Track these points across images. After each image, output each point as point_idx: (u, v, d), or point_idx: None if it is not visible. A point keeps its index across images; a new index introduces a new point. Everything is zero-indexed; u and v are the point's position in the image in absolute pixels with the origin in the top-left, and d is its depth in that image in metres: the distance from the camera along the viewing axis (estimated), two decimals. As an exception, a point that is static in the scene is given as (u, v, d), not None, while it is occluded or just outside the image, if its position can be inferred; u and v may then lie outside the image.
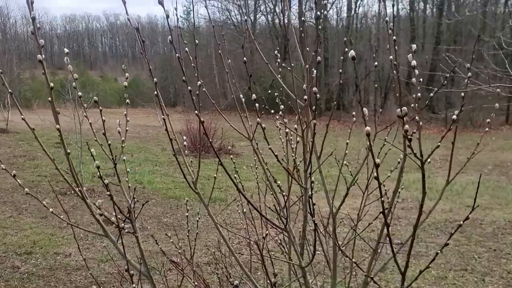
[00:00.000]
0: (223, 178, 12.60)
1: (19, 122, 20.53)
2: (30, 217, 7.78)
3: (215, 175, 2.24)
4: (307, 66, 1.80)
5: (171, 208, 9.09)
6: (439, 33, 34.14)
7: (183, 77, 1.76)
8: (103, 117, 1.95)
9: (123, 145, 2.09)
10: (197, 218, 2.75)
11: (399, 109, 1.04)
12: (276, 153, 1.88)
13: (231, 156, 2.71)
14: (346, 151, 2.09)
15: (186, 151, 2.02)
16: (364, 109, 1.07)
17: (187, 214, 2.86)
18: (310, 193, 1.47)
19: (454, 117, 1.36)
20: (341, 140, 2.27)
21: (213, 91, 38.26)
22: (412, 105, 1.61)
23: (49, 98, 1.72)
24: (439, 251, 1.46)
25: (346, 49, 1.95)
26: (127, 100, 2.19)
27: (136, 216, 1.89)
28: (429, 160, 2.67)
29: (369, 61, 34.49)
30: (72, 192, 9.38)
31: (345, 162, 2.19)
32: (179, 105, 40.47)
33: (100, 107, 1.95)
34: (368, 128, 1.08)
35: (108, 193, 1.67)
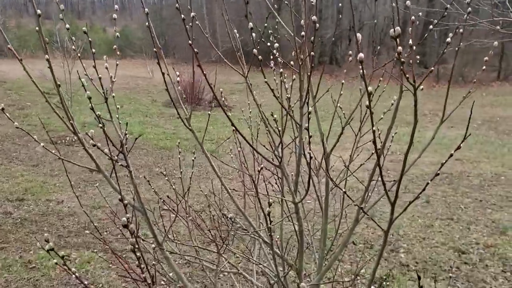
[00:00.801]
0: (215, 130, 12.62)
1: (6, 71, 20.16)
2: (21, 165, 7.77)
3: (209, 113, 2.22)
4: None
5: (162, 158, 9.12)
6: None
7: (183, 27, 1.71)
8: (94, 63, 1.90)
9: (114, 79, 2.05)
10: (193, 158, 2.74)
11: (393, 30, 1.02)
12: (270, 94, 1.86)
13: (232, 107, 2.69)
14: (341, 92, 2.08)
15: (179, 87, 1.98)
16: (361, 54, 1.05)
17: (179, 156, 2.85)
18: (306, 126, 1.46)
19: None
20: (334, 94, 2.29)
21: (204, 42, 37.53)
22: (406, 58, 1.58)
23: (46, 57, 1.67)
24: (429, 182, 1.47)
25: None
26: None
27: (129, 150, 1.88)
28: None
29: (363, 13, 33.92)
30: (63, 141, 9.35)
31: (338, 106, 2.18)
32: (169, 57, 39.86)
33: (93, 50, 1.89)
34: (361, 54, 1.06)
35: (100, 125, 1.65)
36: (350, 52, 2.54)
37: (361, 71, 1.09)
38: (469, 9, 1.55)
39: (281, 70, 2.05)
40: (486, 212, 6.63)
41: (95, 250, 4.67)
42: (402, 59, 1.02)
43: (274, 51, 2.00)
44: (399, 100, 1.79)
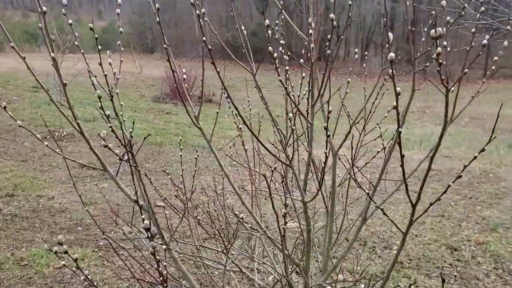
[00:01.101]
0: (206, 126, 12.55)
1: (-9, 64, 19.81)
2: (9, 160, 7.65)
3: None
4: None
5: (152, 154, 9.05)
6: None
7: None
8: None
9: (118, 76, 2.02)
10: (196, 156, 2.71)
11: (434, 30, 1.01)
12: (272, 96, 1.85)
13: (230, 100, 2.65)
14: (347, 90, 2.08)
15: (185, 85, 1.96)
16: (391, 53, 1.04)
17: (180, 153, 2.83)
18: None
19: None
20: (333, 91, 2.29)
21: (192, 37, 37.40)
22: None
23: (52, 55, 1.63)
24: (451, 184, 1.47)
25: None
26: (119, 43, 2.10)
27: (138, 150, 1.85)
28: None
29: (350, 10, 33.96)
30: (53, 136, 9.23)
31: (343, 104, 2.18)
32: (157, 51, 39.61)
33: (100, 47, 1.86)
34: (392, 54, 1.05)
35: (110, 125, 1.61)
36: (356, 49, 2.54)
37: (391, 71, 1.08)
38: (482, 8, 1.55)
39: (287, 67, 2.03)
40: (476, 209, 6.70)
41: (95, 250, 4.62)
42: (440, 61, 1.01)
43: (280, 48, 1.98)
44: (411, 99, 1.78)
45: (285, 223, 1.35)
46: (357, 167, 2.07)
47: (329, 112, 1.39)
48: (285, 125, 2.26)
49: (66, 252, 1.27)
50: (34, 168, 7.30)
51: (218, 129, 12.03)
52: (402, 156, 1.29)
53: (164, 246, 1.90)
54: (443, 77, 1.16)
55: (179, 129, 11.73)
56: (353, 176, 1.86)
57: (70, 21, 1.81)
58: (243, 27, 1.80)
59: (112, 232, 5.06)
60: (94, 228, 5.19)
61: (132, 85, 20.28)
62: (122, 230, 2.76)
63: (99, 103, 1.60)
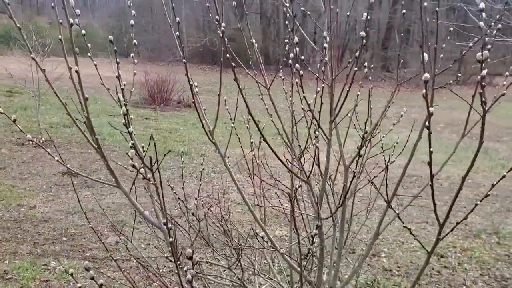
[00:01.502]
0: (185, 131, 12.46)
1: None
2: (-14, 168, 7.43)
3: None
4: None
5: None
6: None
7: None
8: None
9: (132, 90, 1.97)
10: (201, 170, 2.67)
11: (480, 53, 1.01)
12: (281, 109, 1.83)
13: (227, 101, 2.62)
14: (356, 103, 2.08)
15: (197, 96, 1.92)
16: (426, 74, 1.04)
17: (182, 165, 2.78)
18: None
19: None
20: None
21: (168, 42, 37.14)
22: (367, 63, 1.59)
23: (76, 68, 1.59)
24: (478, 203, 1.48)
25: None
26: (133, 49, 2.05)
27: (158, 165, 1.80)
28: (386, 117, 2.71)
29: (326, 17, 34.28)
30: (31, 142, 9.00)
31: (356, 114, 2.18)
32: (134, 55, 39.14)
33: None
34: (427, 74, 1.05)
35: (132, 142, 1.57)
36: (366, 63, 2.54)
37: (425, 90, 1.07)
38: (499, 25, 1.57)
39: (297, 80, 2.02)
40: (458, 215, 6.81)
41: (83, 260, 4.49)
42: (482, 82, 1.01)
43: (291, 55, 1.97)
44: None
45: (312, 243, 1.33)
46: (372, 182, 2.07)
47: (365, 132, 1.38)
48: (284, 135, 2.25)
49: (93, 278, 1.22)
50: (13, 176, 7.11)
51: (199, 134, 11.95)
52: (432, 176, 1.29)
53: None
54: (483, 98, 1.16)
55: (159, 135, 11.60)
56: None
57: (83, 31, 1.75)
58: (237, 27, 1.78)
59: (98, 243, 4.96)
60: (80, 238, 5.07)
61: (108, 89, 19.98)
62: (123, 238, 2.70)
63: (124, 119, 1.55)
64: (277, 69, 2.04)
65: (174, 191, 2.63)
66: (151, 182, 1.54)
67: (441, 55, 1.98)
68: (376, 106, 2.83)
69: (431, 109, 1.15)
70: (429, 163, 1.31)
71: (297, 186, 1.52)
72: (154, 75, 16.89)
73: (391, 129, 2.53)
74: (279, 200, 2.78)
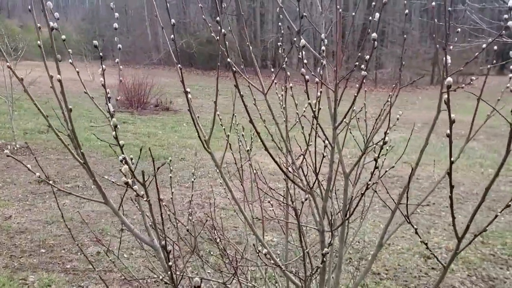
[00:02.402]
0: (164, 135, 12.27)
1: None
2: (-42, 178, 7.14)
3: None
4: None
5: (113, 167, 8.71)
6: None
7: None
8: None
9: (118, 97, 1.85)
10: (193, 179, 2.56)
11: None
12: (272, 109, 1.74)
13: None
14: (352, 109, 2.00)
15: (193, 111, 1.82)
16: (449, 78, 0.97)
17: (170, 175, 2.66)
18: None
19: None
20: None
21: (144, 44, 36.76)
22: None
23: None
24: (498, 214, 1.41)
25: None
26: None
27: (150, 181, 1.68)
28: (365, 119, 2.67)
29: (304, 18, 34.39)
30: (3, 151, 8.70)
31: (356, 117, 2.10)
32: (108, 59, 38.64)
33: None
34: (450, 79, 0.98)
35: (122, 156, 1.45)
36: (363, 66, 2.47)
37: (446, 96, 1.00)
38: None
39: (291, 85, 1.94)
40: (442, 215, 6.85)
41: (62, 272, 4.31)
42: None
43: (284, 65, 1.88)
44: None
45: (323, 261, 1.24)
46: (375, 190, 2.00)
47: (385, 143, 1.30)
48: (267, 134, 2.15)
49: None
50: (-14, 185, 6.85)
51: (178, 138, 11.79)
52: (452, 187, 1.21)
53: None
54: None
55: (138, 140, 11.39)
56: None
57: (63, 36, 1.63)
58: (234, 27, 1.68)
59: (79, 254, 4.78)
60: (59, 249, 4.88)
61: (85, 94, 19.60)
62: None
63: (114, 132, 1.43)
64: (274, 73, 1.95)
65: (164, 203, 2.50)
66: (145, 199, 1.42)
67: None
68: (356, 107, 2.77)
69: (453, 116, 1.08)
70: (449, 174, 1.23)
71: (303, 200, 1.43)
72: (130, 78, 16.62)
73: (387, 133, 2.45)
74: (270, 202, 2.69)
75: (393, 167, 2.44)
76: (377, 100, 22.81)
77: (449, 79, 0.97)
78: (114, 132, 1.36)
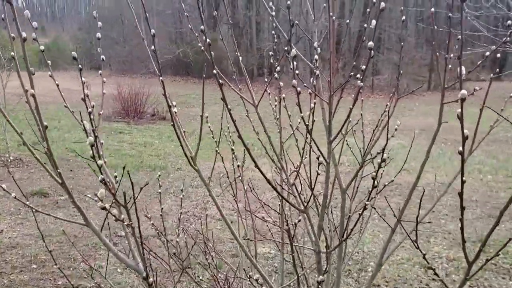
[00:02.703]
0: (160, 144, 12.16)
1: None
2: (-51, 191, 7.01)
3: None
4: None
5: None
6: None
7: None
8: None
9: (101, 112, 1.76)
10: (181, 194, 2.47)
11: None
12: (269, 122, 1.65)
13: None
14: (349, 120, 1.91)
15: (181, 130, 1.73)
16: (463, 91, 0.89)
17: (160, 204, 2.57)
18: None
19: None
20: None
21: (141, 54, 36.69)
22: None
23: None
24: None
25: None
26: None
27: (134, 200, 1.58)
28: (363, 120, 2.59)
29: (298, 27, 34.39)
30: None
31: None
32: (105, 68, 38.60)
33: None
34: (464, 91, 0.89)
35: (102, 176, 1.35)
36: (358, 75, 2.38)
37: (460, 110, 0.91)
38: None
39: (283, 95, 1.85)
40: (441, 223, 6.75)
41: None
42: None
43: (275, 74, 1.79)
44: (436, 134, 1.64)
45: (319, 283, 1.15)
46: (374, 208, 1.91)
47: (383, 161, 1.21)
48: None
49: None
50: (-23, 199, 6.73)
51: (174, 148, 11.68)
52: (463, 208, 1.12)
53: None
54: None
55: (134, 149, 11.29)
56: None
57: (41, 47, 1.54)
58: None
59: (71, 269, 4.66)
60: (51, 264, 4.76)
61: (81, 104, 19.49)
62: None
63: (92, 152, 1.33)
64: (265, 83, 1.87)
65: (152, 221, 2.41)
66: (125, 223, 1.32)
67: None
68: (353, 113, 2.69)
69: (466, 131, 0.99)
70: (461, 195, 1.14)
71: (296, 221, 1.33)
72: (127, 88, 16.53)
73: (385, 144, 2.36)
74: (263, 219, 2.59)
75: (392, 181, 2.34)
76: (374, 106, 22.81)
77: (464, 91, 0.88)
78: (91, 152, 1.26)
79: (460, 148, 0.97)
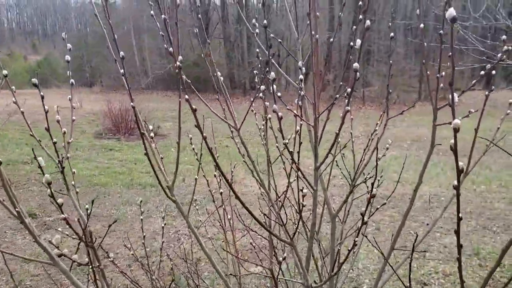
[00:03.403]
0: (153, 161, 12.01)
1: None
2: None
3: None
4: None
5: (98, 197, 8.45)
6: (356, 13, 34.85)
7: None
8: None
9: (70, 140, 1.67)
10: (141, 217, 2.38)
11: None
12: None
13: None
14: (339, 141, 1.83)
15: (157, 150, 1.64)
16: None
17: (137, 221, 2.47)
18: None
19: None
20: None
21: (132, 70, 36.71)
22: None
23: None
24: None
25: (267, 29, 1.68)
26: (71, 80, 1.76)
27: (100, 242, 1.48)
28: (353, 139, 2.52)
29: (289, 41, 34.58)
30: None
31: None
32: (96, 85, 38.53)
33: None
34: (457, 121, 0.81)
35: (63, 216, 1.25)
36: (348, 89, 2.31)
37: (454, 141, 0.83)
38: (507, 48, 1.36)
39: (269, 116, 1.77)
40: (436, 237, 6.66)
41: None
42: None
43: (266, 86, 1.71)
44: (429, 156, 1.56)
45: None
46: (366, 236, 1.82)
47: (373, 196, 1.12)
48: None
49: None
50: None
51: (165, 164, 11.52)
52: (460, 247, 1.03)
53: None
54: None
55: (125, 167, 11.16)
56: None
57: (5, 72, 1.46)
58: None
59: (58, 294, 4.52)
60: (37, 290, 4.62)
61: (74, 120, 19.35)
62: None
63: (50, 191, 1.23)
64: (250, 101, 1.78)
65: (131, 251, 2.30)
66: (92, 266, 1.22)
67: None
68: (344, 127, 2.62)
69: (461, 163, 0.91)
70: (457, 232, 1.04)
71: (281, 259, 1.23)
72: (117, 104, 16.43)
73: (375, 175, 2.29)
74: (252, 244, 2.49)
75: (384, 203, 2.26)
76: (366, 117, 22.82)
77: (457, 121, 0.80)
78: (49, 190, 1.17)
79: (455, 182, 0.89)
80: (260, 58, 2.02)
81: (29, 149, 11.28)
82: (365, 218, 1.27)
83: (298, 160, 1.51)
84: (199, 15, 1.76)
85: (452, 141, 0.85)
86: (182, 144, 1.96)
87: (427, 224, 7.28)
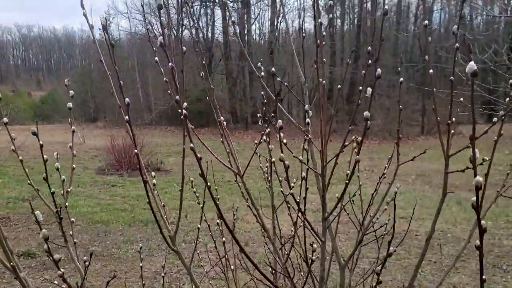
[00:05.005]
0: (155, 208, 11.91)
1: None
2: None
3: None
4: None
5: (98, 235, 8.33)
6: (358, 48, 35.36)
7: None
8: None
9: (69, 189, 1.62)
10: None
11: None
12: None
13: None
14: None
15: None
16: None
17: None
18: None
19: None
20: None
21: (136, 105, 37.03)
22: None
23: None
24: None
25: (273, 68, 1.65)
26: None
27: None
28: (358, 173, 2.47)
29: (291, 75, 34.94)
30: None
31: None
32: (100, 120, 38.79)
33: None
34: (479, 178, 0.75)
35: (60, 272, 1.18)
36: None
37: (476, 199, 0.77)
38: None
39: (273, 159, 1.71)
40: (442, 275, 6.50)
41: None
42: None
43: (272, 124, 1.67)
44: (441, 204, 1.50)
45: None
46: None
47: (389, 255, 1.06)
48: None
49: None
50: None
51: (168, 200, 11.45)
52: (482, 276, 0.96)
53: None
54: None
55: (127, 203, 11.05)
56: None
57: None
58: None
59: None
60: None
61: (74, 157, 19.35)
62: None
63: (47, 247, 1.18)
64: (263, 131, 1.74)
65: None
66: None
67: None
68: (345, 160, 2.56)
69: (483, 222, 0.85)
70: (481, 270, 0.97)
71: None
72: (121, 139, 16.45)
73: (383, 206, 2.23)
74: None
75: (391, 255, 2.16)
76: (370, 152, 22.74)
77: (478, 178, 0.75)
78: (46, 245, 1.11)
79: (478, 242, 0.83)
80: (265, 101, 1.99)
81: (30, 188, 11.22)
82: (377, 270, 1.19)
83: (305, 207, 1.45)
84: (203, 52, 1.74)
85: (474, 198, 0.80)
86: (186, 178, 1.91)
87: (434, 262, 7.12)
